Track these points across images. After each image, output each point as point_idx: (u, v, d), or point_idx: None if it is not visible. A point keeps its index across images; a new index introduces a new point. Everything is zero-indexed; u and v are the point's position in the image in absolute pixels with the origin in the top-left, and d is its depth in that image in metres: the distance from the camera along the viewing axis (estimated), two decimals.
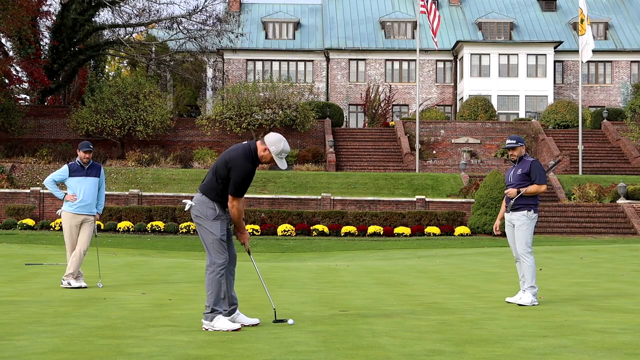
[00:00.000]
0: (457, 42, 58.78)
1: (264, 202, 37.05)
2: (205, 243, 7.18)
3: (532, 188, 9.40)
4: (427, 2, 46.13)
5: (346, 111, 58.82)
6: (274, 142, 7.11)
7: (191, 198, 9.73)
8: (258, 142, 7.17)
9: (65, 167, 11.31)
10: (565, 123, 53.28)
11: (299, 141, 50.56)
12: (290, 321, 7.55)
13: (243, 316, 7.40)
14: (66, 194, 11.22)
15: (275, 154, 7.11)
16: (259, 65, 60.54)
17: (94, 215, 11.25)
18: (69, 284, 10.92)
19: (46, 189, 11.07)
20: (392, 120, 55.89)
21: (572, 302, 9.41)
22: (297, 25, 62.70)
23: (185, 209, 7.36)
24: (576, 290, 10.96)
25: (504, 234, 9.73)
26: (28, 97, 56.09)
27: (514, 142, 9.58)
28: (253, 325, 7.32)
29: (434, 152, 51.14)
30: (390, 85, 59.11)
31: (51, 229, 34.72)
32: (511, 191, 9.45)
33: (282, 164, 7.18)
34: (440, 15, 63.30)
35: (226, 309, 7.21)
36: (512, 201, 9.44)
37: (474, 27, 62.49)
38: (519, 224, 9.40)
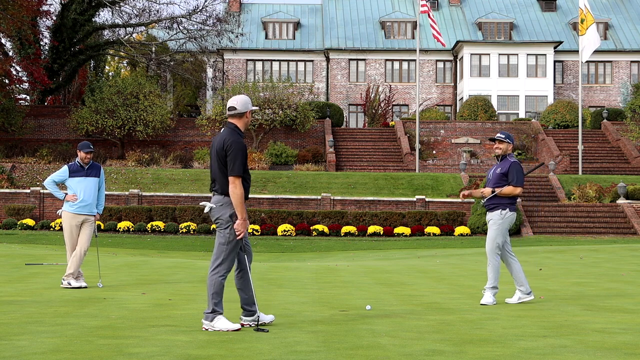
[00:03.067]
0: (457, 42, 58.78)
1: (264, 202, 37.05)
2: (220, 244, 7.06)
3: (507, 189, 9.22)
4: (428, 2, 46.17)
5: (346, 111, 58.83)
6: (245, 102, 7.16)
7: (209, 199, 9.64)
8: (233, 120, 7.15)
9: (65, 167, 11.29)
10: (565, 123, 53.29)
11: (299, 141, 50.56)
12: (368, 307, 8.49)
13: (261, 314, 7.37)
14: (66, 194, 11.22)
15: (253, 108, 7.21)
16: (259, 65, 60.54)
17: (94, 216, 11.25)
18: (69, 284, 10.91)
19: (46, 189, 11.02)
20: (392, 120, 55.89)
21: (572, 302, 9.41)
22: (297, 25, 62.70)
23: (205, 211, 7.22)
24: (576, 290, 10.96)
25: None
26: (28, 97, 56.10)
27: (503, 136, 9.42)
28: (268, 322, 7.32)
29: (434, 152, 51.14)
30: (390, 85, 59.13)
31: (51, 229, 34.72)
32: (487, 191, 9.30)
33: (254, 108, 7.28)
34: (440, 15, 63.45)
35: (220, 310, 7.10)
36: (483, 200, 9.31)
37: (474, 27, 62.50)
38: (491, 223, 9.25)
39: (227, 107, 7.20)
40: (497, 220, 9.20)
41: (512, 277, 9.39)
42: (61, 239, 30.66)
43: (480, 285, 11.90)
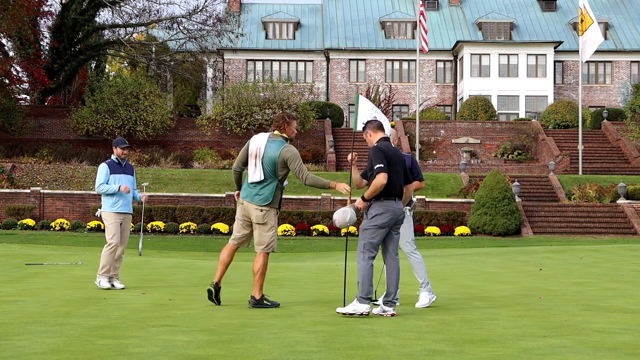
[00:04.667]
0: (457, 42, 58.79)
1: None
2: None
3: (418, 185, 9.04)
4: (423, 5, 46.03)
5: (346, 111, 58.81)
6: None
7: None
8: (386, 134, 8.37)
9: (103, 166, 11.00)
10: (565, 123, 53.29)
11: (299, 141, 50.55)
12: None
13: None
14: (119, 186, 10.92)
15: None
16: (259, 65, 60.55)
17: (131, 214, 11.15)
18: (99, 283, 10.70)
19: (96, 192, 10.45)
20: (392, 120, 55.88)
21: (572, 302, 9.41)
22: (297, 25, 62.71)
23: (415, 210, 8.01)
24: (576, 290, 10.96)
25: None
26: (28, 97, 56.10)
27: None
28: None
29: (434, 152, 51.15)
30: (390, 85, 59.13)
31: (51, 229, 34.73)
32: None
33: None
34: (440, 15, 63.45)
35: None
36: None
37: (474, 27, 62.51)
38: (407, 220, 8.99)
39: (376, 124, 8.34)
40: (409, 217, 9.04)
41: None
42: (61, 239, 30.71)
43: (481, 285, 11.90)
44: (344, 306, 8.49)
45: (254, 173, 8.56)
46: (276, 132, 8.68)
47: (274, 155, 8.51)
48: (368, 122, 8.39)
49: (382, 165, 7.96)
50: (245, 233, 8.79)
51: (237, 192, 8.91)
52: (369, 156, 8.17)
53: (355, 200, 8.31)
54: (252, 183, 8.61)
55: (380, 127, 8.34)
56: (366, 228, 8.01)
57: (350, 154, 8.61)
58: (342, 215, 8.23)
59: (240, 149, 8.86)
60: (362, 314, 7.86)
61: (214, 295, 8.78)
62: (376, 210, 8.00)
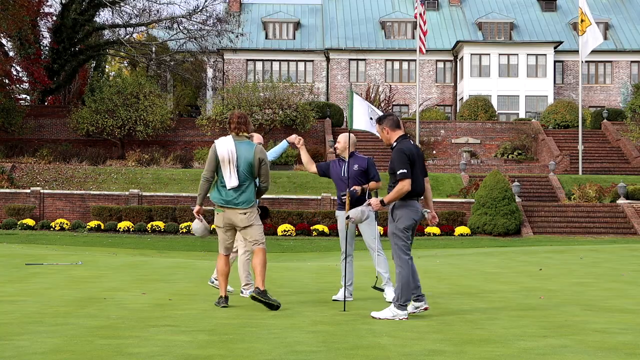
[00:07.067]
0: (457, 42, 58.78)
1: (264, 202, 37.05)
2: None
3: (374, 185, 9.73)
4: (422, 5, 45.99)
5: (346, 111, 58.82)
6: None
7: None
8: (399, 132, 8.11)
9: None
10: (565, 123, 53.30)
11: None
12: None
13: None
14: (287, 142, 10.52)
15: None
16: (259, 65, 60.56)
17: None
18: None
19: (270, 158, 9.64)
20: None
21: (572, 302, 9.40)
22: (297, 25, 62.72)
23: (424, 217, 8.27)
24: (576, 290, 10.96)
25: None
26: (28, 97, 56.12)
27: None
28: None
29: (434, 152, 51.14)
30: (390, 85, 59.13)
31: (51, 229, 34.74)
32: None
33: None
34: (440, 15, 63.44)
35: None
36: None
37: (474, 27, 62.51)
38: (371, 219, 9.43)
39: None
40: (372, 215, 9.40)
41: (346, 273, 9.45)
42: (61, 239, 30.71)
43: (481, 285, 11.89)
44: (344, 308, 8.49)
45: (230, 179, 8.46)
46: (240, 133, 8.59)
47: (249, 156, 8.45)
48: (385, 117, 8.17)
49: (405, 170, 7.80)
50: (232, 240, 8.80)
51: (198, 207, 8.75)
52: (391, 157, 8.05)
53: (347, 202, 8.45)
54: (230, 189, 8.54)
55: (398, 124, 8.15)
56: (397, 232, 7.91)
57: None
58: (360, 215, 8.31)
59: None
60: (400, 320, 7.74)
61: (225, 305, 8.73)
62: (402, 212, 7.95)
